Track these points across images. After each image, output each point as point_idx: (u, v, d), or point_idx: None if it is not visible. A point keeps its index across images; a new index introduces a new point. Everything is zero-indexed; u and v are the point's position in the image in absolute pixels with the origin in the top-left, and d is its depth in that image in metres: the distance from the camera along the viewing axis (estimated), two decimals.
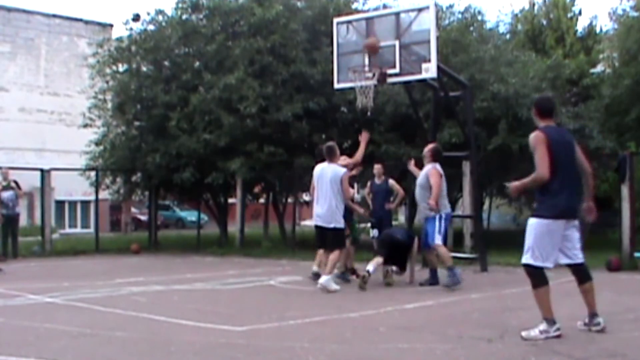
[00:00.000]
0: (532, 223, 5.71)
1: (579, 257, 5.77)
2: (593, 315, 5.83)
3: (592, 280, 5.82)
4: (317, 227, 9.27)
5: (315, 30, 16.70)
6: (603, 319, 5.81)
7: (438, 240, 9.19)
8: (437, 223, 9.21)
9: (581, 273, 5.82)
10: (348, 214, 9.94)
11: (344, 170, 9.11)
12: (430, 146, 9.71)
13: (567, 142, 5.79)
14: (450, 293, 8.70)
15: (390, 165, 13.61)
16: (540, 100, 6.13)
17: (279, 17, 15.95)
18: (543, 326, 5.65)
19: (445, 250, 9.33)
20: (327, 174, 9.01)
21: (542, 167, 5.58)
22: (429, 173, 9.30)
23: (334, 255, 9.02)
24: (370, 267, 9.20)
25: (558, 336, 5.59)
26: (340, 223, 9.09)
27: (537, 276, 5.68)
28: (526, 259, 5.70)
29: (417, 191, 9.55)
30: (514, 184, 5.91)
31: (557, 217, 5.61)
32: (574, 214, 5.72)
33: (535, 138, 5.66)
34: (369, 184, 12.65)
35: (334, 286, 8.90)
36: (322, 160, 9.32)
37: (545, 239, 5.62)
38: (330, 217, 9.00)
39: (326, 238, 9.14)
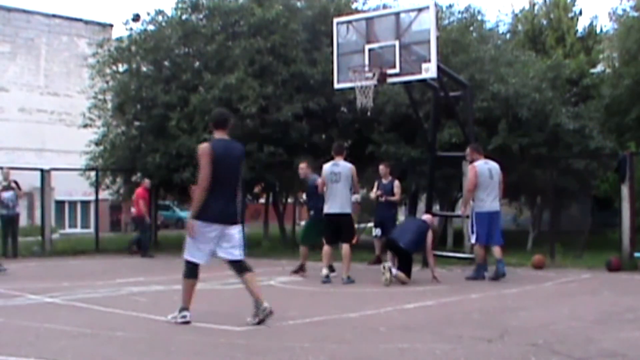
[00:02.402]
0: (190, 222, 6.35)
1: (234, 255, 6.39)
2: (258, 302, 6.32)
3: (251, 271, 6.43)
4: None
5: (315, 30, 16.68)
6: (269, 305, 6.30)
7: (472, 239, 10.10)
8: (469, 223, 10.26)
9: (237, 267, 6.45)
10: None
11: None
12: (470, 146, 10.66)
13: (232, 157, 6.40)
14: (450, 293, 8.71)
15: (389, 165, 13.59)
16: (215, 114, 6.80)
17: (279, 17, 15.94)
18: (177, 313, 6.45)
19: (478, 249, 10.02)
20: None
21: (202, 178, 6.24)
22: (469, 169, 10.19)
23: None
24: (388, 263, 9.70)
25: (185, 323, 6.32)
26: None
27: (190, 269, 6.44)
28: (185, 254, 6.43)
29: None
30: None
31: (211, 220, 6.27)
32: (230, 220, 6.39)
33: (201, 150, 6.34)
34: (376, 184, 12.72)
35: None
36: None
37: (198, 239, 6.31)
38: None
39: None
